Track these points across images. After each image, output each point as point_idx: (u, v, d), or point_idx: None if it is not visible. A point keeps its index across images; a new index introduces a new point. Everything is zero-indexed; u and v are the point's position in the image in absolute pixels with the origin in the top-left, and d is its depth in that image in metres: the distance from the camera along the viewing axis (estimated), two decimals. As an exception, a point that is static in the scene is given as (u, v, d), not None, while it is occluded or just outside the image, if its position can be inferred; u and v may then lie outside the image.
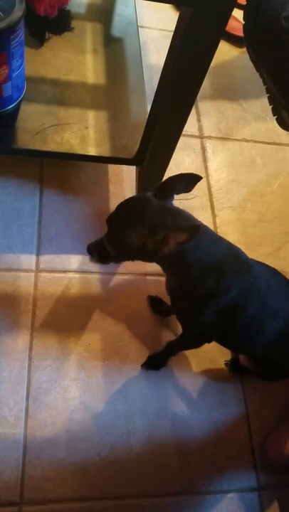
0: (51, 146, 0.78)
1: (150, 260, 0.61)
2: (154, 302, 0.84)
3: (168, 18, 1.13)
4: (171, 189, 0.57)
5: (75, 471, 0.71)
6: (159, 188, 0.58)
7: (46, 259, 0.84)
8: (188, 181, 0.58)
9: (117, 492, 0.71)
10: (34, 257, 0.84)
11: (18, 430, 0.71)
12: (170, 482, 0.73)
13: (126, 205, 0.59)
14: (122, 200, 0.92)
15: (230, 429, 0.78)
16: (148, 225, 0.55)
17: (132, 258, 0.62)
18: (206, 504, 0.74)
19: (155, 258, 0.60)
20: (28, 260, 0.84)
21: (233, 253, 0.61)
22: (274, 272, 0.67)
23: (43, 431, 0.72)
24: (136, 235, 0.56)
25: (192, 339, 0.73)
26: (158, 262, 0.62)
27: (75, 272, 0.85)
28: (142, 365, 0.79)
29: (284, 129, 0.77)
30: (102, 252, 0.62)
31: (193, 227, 0.52)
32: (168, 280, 0.66)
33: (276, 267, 0.68)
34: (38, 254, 0.85)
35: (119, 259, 0.64)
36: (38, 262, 0.84)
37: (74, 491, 0.70)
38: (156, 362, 0.79)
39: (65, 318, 0.81)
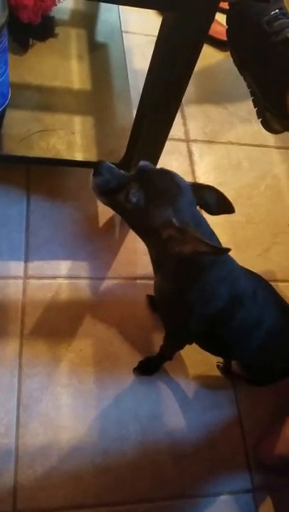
0: (37, 152, 0.78)
1: (146, 240, 0.55)
2: (153, 301, 0.84)
3: (152, 23, 1.14)
4: (205, 195, 0.53)
5: (69, 479, 0.70)
6: (197, 187, 0.54)
7: (35, 266, 0.84)
8: (221, 203, 0.54)
9: (112, 499, 0.70)
10: (22, 263, 0.83)
11: (10, 440, 0.70)
12: (165, 486, 0.73)
13: (173, 177, 0.52)
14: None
15: (223, 431, 0.78)
16: (179, 214, 0.50)
17: (133, 225, 0.54)
18: (201, 507, 0.74)
19: (156, 246, 0.54)
20: (17, 267, 0.83)
21: (231, 268, 0.59)
22: (260, 280, 0.66)
23: (34, 440, 0.71)
24: (161, 214, 0.49)
25: (175, 343, 0.73)
26: (156, 259, 0.57)
27: (65, 277, 0.84)
28: (133, 370, 0.79)
29: (269, 131, 0.78)
30: (108, 189, 0.52)
31: (222, 250, 0.48)
32: (158, 286, 0.64)
33: (265, 268, 0.69)
34: (26, 260, 0.84)
35: (118, 210, 0.54)
36: (26, 269, 0.83)
37: (68, 499, 0.69)
38: (148, 367, 0.79)
39: (55, 325, 0.80)
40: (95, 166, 0.53)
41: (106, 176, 0.53)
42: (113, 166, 0.54)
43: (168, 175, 0.53)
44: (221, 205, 0.55)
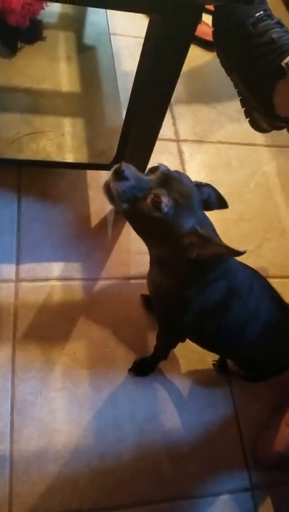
0: (27, 155, 0.78)
1: (157, 245, 0.54)
2: (148, 300, 0.83)
3: (140, 25, 1.15)
4: (204, 193, 0.54)
5: (65, 483, 0.69)
6: (198, 185, 0.54)
7: (27, 268, 0.83)
8: (219, 200, 0.56)
9: (109, 502, 0.69)
10: (14, 266, 0.83)
11: (4, 445, 0.69)
12: (163, 488, 0.72)
13: (188, 181, 0.51)
14: (102, 205, 0.94)
15: (220, 430, 0.78)
16: (200, 221, 0.50)
17: (150, 232, 0.52)
18: (200, 508, 0.73)
19: (170, 250, 0.53)
20: (8, 270, 0.82)
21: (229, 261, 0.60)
22: (256, 274, 0.67)
23: (29, 444, 0.70)
24: (188, 223, 0.49)
25: (168, 341, 0.72)
26: (160, 259, 0.56)
27: (57, 279, 0.84)
28: (129, 371, 0.79)
29: (257, 130, 0.79)
30: (132, 197, 0.48)
31: (239, 252, 0.48)
32: (153, 279, 0.62)
33: (257, 265, 0.69)
34: (18, 263, 0.83)
35: (135, 218, 0.51)
36: (18, 272, 0.82)
37: (64, 504, 0.68)
38: (143, 367, 0.79)
39: (49, 328, 0.79)
40: (117, 170, 0.48)
41: (131, 182, 0.48)
42: (134, 167, 0.50)
43: (184, 179, 0.52)
44: (220, 201, 0.57)
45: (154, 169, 0.52)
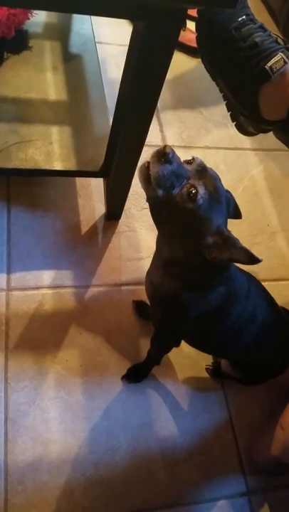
0: (15, 164, 0.78)
1: (176, 240, 0.52)
2: (140, 307, 0.83)
3: (125, 33, 1.16)
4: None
5: (60, 494, 0.68)
6: None
7: (17, 277, 0.83)
8: (234, 210, 0.55)
9: (105, 511, 0.69)
10: (5, 276, 0.82)
11: (-2, 456, 0.68)
12: (159, 496, 0.72)
13: (220, 182, 0.50)
14: (91, 213, 0.94)
15: (215, 435, 0.78)
16: (226, 222, 0.50)
17: (175, 224, 0.49)
18: (197, 514, 0.73)
19: (187, 247, 0.51)
20: (-1, 280, 0.82)
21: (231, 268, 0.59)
22: (252, 278, 0.67)
23: (24, 455, 0.69)
24: (216, 220, 0.48)
25: (162, 345, 0.72)
26: (169, 256, 0.54)
27: (48, 287, 0.83)
28: (122, 378, 0.78)
29: (243, 134, 0.80)
30: (170, 183, 0.46)
31: (257, 259, 0.47)
32: (153, 281, 0.60)
33: (247, 269, 0.69)
34: (8, 272, 0.83)
35: (163, 207, 0.48)
36: (9, 281, 0.82)
37: (60, 515, 0.67)
38: (136, 374, 0.78)
39: (41, 336, 0.79)
40: (161, 152, 0.46)
41: (174, 167, 0.46)
42: (179, 163, 0.47)
43: (218, 177, 0.51)
44: (236, 211, 0.57)
45: (189, 161, 0.51)
